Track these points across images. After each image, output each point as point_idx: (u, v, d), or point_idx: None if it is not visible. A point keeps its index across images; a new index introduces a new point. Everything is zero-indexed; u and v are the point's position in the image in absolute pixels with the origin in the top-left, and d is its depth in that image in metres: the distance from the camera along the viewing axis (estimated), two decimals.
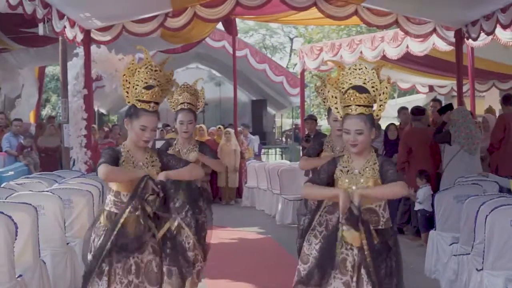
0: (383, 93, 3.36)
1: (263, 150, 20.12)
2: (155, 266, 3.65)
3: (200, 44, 15.62)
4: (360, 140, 3.36)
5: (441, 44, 11.02)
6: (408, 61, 13.14)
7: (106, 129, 13.08)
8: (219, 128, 14.70)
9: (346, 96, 3.35)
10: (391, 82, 3.45)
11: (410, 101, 18.06)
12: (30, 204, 4.74)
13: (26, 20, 8.38)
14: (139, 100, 3.61)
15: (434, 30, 10.47)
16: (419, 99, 18.70)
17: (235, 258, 8.13)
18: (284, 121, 27.98)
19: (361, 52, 13.11)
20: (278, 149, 23.41)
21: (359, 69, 3.38)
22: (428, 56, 12.03)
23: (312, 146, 5.03)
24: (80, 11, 9.35)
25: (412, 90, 18.80)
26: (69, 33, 9.40)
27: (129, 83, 3.65)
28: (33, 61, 14.24)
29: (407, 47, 11.89)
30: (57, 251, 5.45)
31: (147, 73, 3.63)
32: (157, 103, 3.65)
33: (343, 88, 3.40)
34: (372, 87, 3.34)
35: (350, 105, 3.35)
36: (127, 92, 3.66)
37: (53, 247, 5.41)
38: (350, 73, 3.39)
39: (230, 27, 14.07)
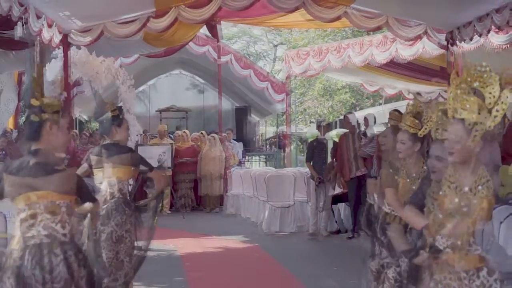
0: (502, 102, 2.79)
1: (246, 157, 19.80)
2: None
3: (183, 49, 15.31)
4: (457, 149, 2.90)
5: (431, 48, 10.81)
6: (396, 66, 12.91)
7: (87, 134, 12.68)
8: (202, 133, 14.32)
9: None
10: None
11: (397, 108, 17.82)
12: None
13: (2, 21, 7.99)
14: None
15: (425, 33, 10.25)
16: (405, 106, 18.44)
17: (222, 268, 7.72)
18: (268, 128, 27.62)
19: (348, 57, 12.87)
20: (262, 156, 23.09)
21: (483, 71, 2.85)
22: (417, 60, 11.80)
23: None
24: (60, 10, 8.97)
25: (398, 96, 18.62)
26: (46, 33, 8.97)
27: None
28: (13, 66, 13.84)
29: (396, 51, 11.68)
30: None
31: None
32: None
33: None
34: (490, 92, 2.81)
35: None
36: None
37: None
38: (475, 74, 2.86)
39: (214, 30, 13.74)
